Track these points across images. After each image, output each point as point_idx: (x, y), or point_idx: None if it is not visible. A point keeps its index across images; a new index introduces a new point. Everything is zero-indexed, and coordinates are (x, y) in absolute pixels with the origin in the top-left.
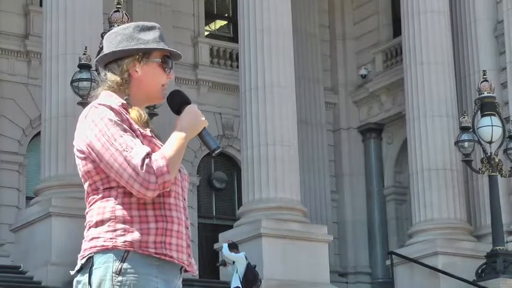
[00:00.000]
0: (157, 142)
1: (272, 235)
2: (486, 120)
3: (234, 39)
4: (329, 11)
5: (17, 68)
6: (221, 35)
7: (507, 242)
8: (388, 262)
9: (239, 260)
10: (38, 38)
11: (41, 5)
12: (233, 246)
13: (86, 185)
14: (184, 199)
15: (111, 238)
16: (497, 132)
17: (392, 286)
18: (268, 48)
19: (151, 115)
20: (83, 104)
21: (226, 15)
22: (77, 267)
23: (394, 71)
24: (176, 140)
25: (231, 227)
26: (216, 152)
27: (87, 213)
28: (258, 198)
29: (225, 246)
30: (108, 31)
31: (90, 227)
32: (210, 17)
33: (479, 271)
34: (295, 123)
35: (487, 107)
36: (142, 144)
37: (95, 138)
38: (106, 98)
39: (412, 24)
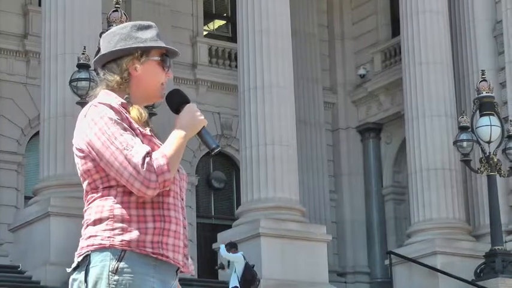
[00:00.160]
0: (157, 141)
1: (271, 235)
2: (485, 120)
3: (233, 39)
4: (328, 11)
5: (15, 67)
6: (220, 35)
7: (506, 242)
8: (386, 262)
9: (237, 260)
10: (37, 38)
11: (39, 4)
12: (232, 246)
13: (84, 184)
14: (182, 199)
15: (108, 237)
16: (496, 132)
17: (391, 286)
18: (267, 49)
19: (150, 115)
20: (82, 103)
21: (225, 15)
22: (74, 265)
23: (392, 71)
24: (175, 139)
25: (229, 226)
26: (215, 151)
27: (85, 211)
28: (257, 198)
29: (222, 247)
30: (107, 31)
31: (88, 225)
32: (208, 17)
33: (478, 271)
34: (294, 123)
35: (485, 106)
36: (142, 143)
37: (94, 136)
38: (105, 96)
39: (410, 24)
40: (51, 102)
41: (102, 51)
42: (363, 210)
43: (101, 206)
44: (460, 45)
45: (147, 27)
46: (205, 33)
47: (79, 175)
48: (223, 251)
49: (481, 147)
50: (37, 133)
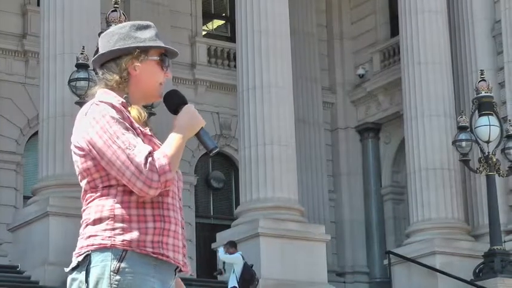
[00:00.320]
0: (157, 141)
1: (270, 235)
2: (484, 120)
3: (232, 38)
4: (326, 11)
5: (14, 67)
6: (219, 35)
7: (505, 242)
8: (385, 262)
9: (236, 261)
10: (36, 38)
11: (38, 4)
12: (232, 244)
13: (83, 183)
14: (180, 199)
15: (109, 237)
16: (495, 131)
17: (390, 286)
18: (266, 49)
19: (149, 114)
20: (81, 103)
21: (224, 14)
22: (72, 265)
23: (391, 71)
24: (174, 140)
25: (228, 226)
26: (214, 151)
27: (83, 210)
28: (256, 197)
29: (221, 249)
30: (105, 31)
31: (87, 225)
32: (207, 17)
33: (477, 271)
34: (293, 123)
35: (484, 106)
36: (143, 142)
37: (96, 135)
38: (105, 95)
39: (409, 24)
40: (50, 102)
41: (101, 51)
42: (362, 210)
43: (101, 205)
44: (459, 45)
45: (146, 27)
46: (204, 33)
47: (77, 173)
48: (221, 254)
49: (480, 147)
50: (36, 133)
